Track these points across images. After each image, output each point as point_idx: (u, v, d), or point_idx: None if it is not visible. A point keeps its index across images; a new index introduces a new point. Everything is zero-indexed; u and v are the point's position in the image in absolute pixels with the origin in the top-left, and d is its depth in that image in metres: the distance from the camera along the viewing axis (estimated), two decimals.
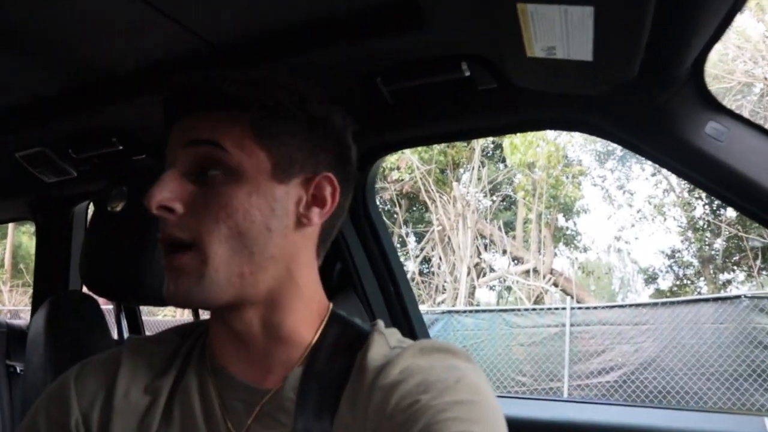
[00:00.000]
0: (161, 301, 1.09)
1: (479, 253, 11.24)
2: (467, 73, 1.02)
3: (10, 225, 13.50)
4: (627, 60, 0.85)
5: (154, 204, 0.68)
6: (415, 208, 12.93)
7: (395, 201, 11.88)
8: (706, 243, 11.26)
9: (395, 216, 11.78)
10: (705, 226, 11.19)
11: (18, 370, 1.74)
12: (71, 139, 1.41)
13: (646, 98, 0.97)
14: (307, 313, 0.77)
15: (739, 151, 0.93)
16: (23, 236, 14.33)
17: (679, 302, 7.04)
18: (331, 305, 0.82)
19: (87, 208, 1.91)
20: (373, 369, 0.70)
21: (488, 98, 1.10)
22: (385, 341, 0.75)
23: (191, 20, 0.99)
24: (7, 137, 1.43)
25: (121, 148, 1.37)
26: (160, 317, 9.93)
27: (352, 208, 1.39)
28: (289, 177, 0.73)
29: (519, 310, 8.17)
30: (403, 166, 10.86)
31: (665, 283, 12.49)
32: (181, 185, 0.70)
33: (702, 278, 11.71)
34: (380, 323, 0.79)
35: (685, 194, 11.45)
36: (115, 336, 1.27)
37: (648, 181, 14.31)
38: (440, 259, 11.14)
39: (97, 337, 1.18)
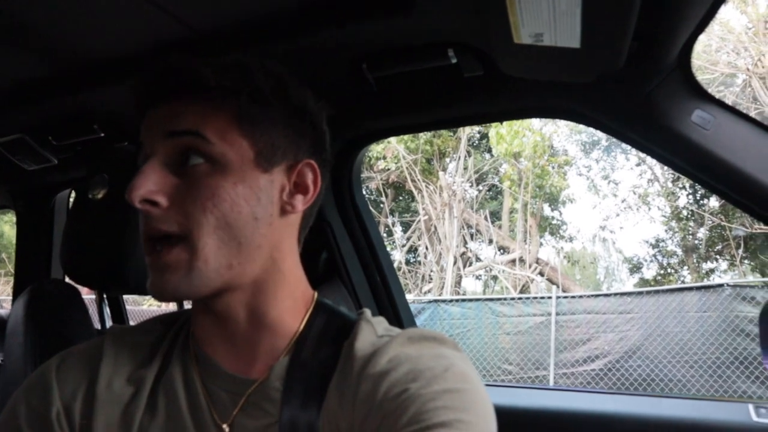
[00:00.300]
0: (144, 291, 1.08)
1: (465, 243, 11.29)
2: (454, 60, 1.02)
3: None
4: (615, 47, 0.84)
5: (137, 197, 0.66)
6: (401, 198, 12.94)
7: (381, 190, 11.88)
8: (690, 232, 11.37)
9: (381, 205, 11.79)
10: (689, 216, 11.30)
11: None
12: (52, 126, 1.38)
13: (633, 86, 0.97)
14: (291, 302, 0.77)
15: (725, 139, 0.93)
16: (5, 225, 14.17)
17: (663, 291, 7.11)
18: (316, 294, 0.82)
19: (69, 196, 1.89)
20: (361, 358, 0.70)
21: (475, 86, 1.09)
22: (373, 330, 0.75)
23: (174, 5, 0.97)
24: None
25: (102, 135, 1.35)
26: (146, 307, 9.86)
27: (338, 196, 1.38)
28: (272, 165, 0.73)
29: (505, 299, 8.21)
30: (389, 156, 10.85)
31: (649, 272, 12.62)
32: (163, 177, 0.68)
33: (686, 267, 11.83)
34: (367, 312, 0.79)
35: (669, 184, 11.55)
36: (98, 326, 1.26)
37: (633, 171, 14.47)
38: (426, 248, 11.17)
39: (79, 326, 1.17)
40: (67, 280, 1.22)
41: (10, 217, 13.57)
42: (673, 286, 9.61)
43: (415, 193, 11.17)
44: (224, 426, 0.71)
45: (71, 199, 1.87)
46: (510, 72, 0.99)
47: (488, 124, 10.82)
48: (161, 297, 0.69)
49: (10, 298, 2.26)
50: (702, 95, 0.95)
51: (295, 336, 0.75)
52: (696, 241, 11.39)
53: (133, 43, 1.08)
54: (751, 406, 1.20)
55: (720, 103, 0.95)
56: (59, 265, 1.80)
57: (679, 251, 11.91)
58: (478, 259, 11.65)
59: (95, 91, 1.23)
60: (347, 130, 1.27)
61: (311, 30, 1.00)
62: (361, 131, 1.28)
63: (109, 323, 1.30)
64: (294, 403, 0.70)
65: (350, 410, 0.67)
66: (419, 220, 11.27)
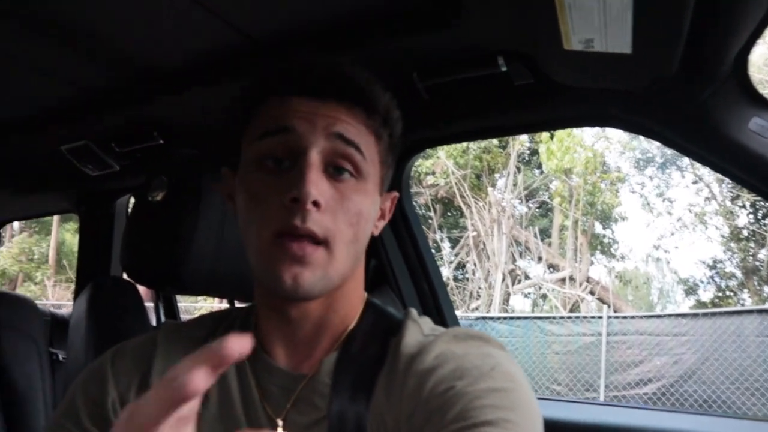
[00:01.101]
0: (197, 290, 1.11)
1: (514, 260, 11.15)
2: (503, 68, 1.02)
3: (55, 222, 13.92)
4: (667, 53, 0.84)
5: (309, 198, 0.67)
6: (449, 214, 12.88)
7: (430, 206, 11.85)
8: (750, 253, 10.94)
9: (430, 221, 11.76)
10: (749, 236, 10.88)
11: (60, 358, 1.79)
12: (114, 133, 1.45)
13: (687, 93, 0.95)
14: (355, 304, 0.79)
15: None
16: (66, 233, 14.74)
17: (721, 313, 6.85)
18: (366, 294, 0.83)
19: (128, 202, 1.96)
20: (408, 355, 0.70)
21: (525, 94, 1.09)
22: (419, 328, 0.76)
23: (232, 14, 1.00)
24: (54, 130, 1.47)
25: (161, 141, 1.40)
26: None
27: None
28: (383, 192, 0.79)
29: (554, 317, 8.07)
30: (439, 171, 10.85)
31: (706, 294, 12.18)
32: (324, 183, 0.69)
33: (746, 290, 11.37)
34: (413, 311, 0.80)
35: (728, 203, 11.15)
36: (153, 323, 1.30)
37: (689, 188, 14.03)
38: (475, 265, 11.08)
39: (136, 322, 1.21)
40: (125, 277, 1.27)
41: (72, 225, 14.11)
42: (731, 308, 9.24)
43: (464, 208, 11.11)
44: (278, 420, 0.72)
45: (130, 204, 1.95)
46: (560, 79, 0.99)
47: (539, 140, 10.71)
48: (296, 291, 0.68)
49: (70, 303, 2.35)
50: (760, 102, 0.93)
51: (345, 332, 0.77)
52: (757, 263, 10.95)
53: (192, 52, 1.13)
54: None
55: None
56: (118, 267, 1.87)
57: (739, 273, 11.47)
58: (527, 277, 11.49)
59: (155, 100, 1.28)
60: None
61: (365, 41, 1.02)
62: (412, 140, 1.29)
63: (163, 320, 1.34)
64: (343, 395, 0.71)
65: (397, 406, 0.68)
66: (467, 236, 11.20)
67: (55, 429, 0.77)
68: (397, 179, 1.40)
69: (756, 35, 0.86)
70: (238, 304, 1.22)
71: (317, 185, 0.67)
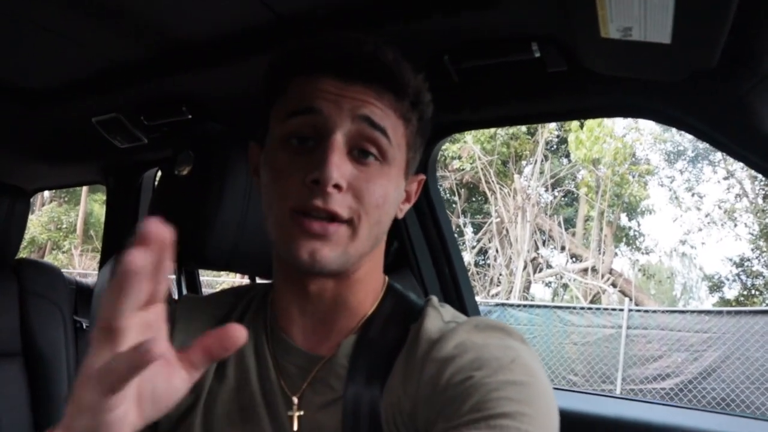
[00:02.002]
0: (220, 266, 1.12)
1: (537, 248, 11.08)
2: (537, 54, 1.00)
3: (83, 193, 14.16)
4: (708, 44, 0.81)
5: (330, 182, 0.67)
6: (474, 199, 12.83)
7: (454, 190, 11.81)
8: None
9: (454, 205, 11.72)
10: None
11: (84, 326, 1.82)
12: (143, 106, 1.46)
13: (726, 87, 0.92)
14: (374, 287, 0.80)
15: None
16: (95, 204, 14.99)
17: (746, 312, 6.74)
18: (386, 278, 0.83)
19: (155, 175, 1.98)
20: (427, 341, 0.70)
21: (558, 81, 1.07)
22: (440, 315, 0.75)
23: None
24: (85, 101, 1.48)
25: (190, 116, 1.41)
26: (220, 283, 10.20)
27: None
28: (408, 176, 0.78)
29: (575, 308, 8.02)
30: (465, 156, 10.78)
31: (731, 292, 11.99)
32: (347, 165, 0.70)
33: None
34: (434, 298, 0.79)
35: (760, 200, 10.92)
36: (175, 296, 1.31)
37: (719, 184, 13.78)
38: (497, 251, 11.04)
39: None
40: None
41: (100, 196, 14.35)
42: (757, 308, 9.09)
43: (489, 194, 11.05)
44: (294, 398, 0.73)
45: (157, 177, 1.96)
46: (595, 68, 0.97)
47: (568, 129, 10.57)
48: (313, 265, 0.68)
49: (96, 272, 2.39)
50: None
51: (365, 316, 0.77)
52: None
53: (221, 27, 1.12)
54: None
55: None
56: None
57: (766, 272, 11.26)
58: (549, 266, 11.41)
59: (184, 74, 1.28)
60: None
61: (395, 20, 1.01)
62: (440, 123, 1.28)
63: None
64: (358, 379, 0.71)
65: (414, 391, 0.68)
66: (491, 222, 11.15)
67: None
68: (424, 162, 1.39)
69: None
70: (259, 281, 1.22)
71: (339, 168, 0.67)
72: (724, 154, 1.02)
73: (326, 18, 1.04)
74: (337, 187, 0.67)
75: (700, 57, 0.84)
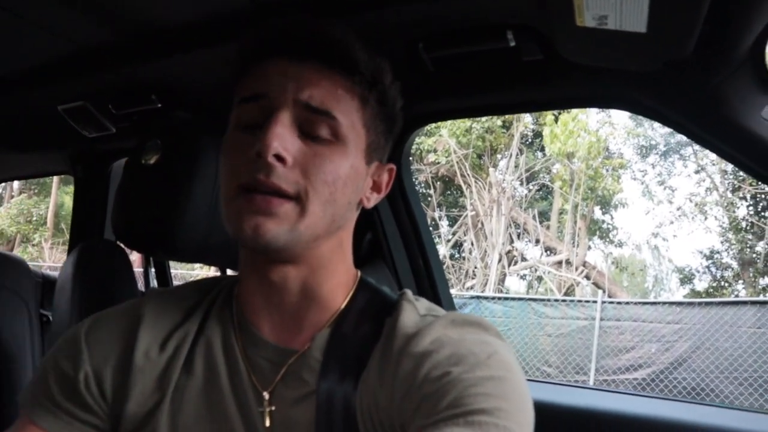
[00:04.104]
0: (189, 257, 1.09)
1: (512, 241, 11.16)
2: (512, 43, 0.99)
3: (54, 184, 13.90)
4: (683, 34, 0.80)
5: (270, 151, 0.66)
6: (449, 192, 12.86)
7: (430, 183, 11.83)
8: (748, 245, 10.94)
9: (429, 199, 11.74)
10: (747, 228, 10.87)
11: (50, 319, 1.78)
12: (112, 95, 1.41)
13: (700, 77, 0.93)
14: (342, 278, 0.78)
15: None
16: (66, 196, 14.73)
17: (715, 303, 6.87)
18: (359, 272, 0.82)
19: (124, 165, 1.93)
20: (403, 336, 0.69)
21: (533, 71, 1.06)
22: (415, 309, 0.74)
23: None
24: (51, 88, 1.44)
25: (159, 105, 1.37)
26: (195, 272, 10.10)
27: None
28: (371, 161, 0.76)
29: (549, 300, 8.10)
30: (440, 149, 10.80)
31: (701, 284, 12.22)
32: (293, 139, 0.69)
33: (741, 281, 11.41)
34: (408, 292, 0.78)
35: (729, 194, 11.13)
36: (142, 288, 1.28)
37: (690, 178, 14.00)
38: (472, 244, 11.10)
39: (125, 286, 1.19)
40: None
41: (71, 189, 14.09)
42: (727, 299, 9.27)
43: (464, 188, 11.09)
44: (264, 393, 0.71)
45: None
46: (570, 57, 0.96)
47: (543, 123, 10.64)
48: (256, 240, 0.67)
49: None
50: None
51: (338, 310, 0.76)
52: (754, 255, 10.96)
53: (193, 11, 1.09)
54: None
55: None
56: (111, 231, 1.85)
57: (735, 264, 11.49)
58: (523, 259, 11.51)
59: (154, 61, 1.25)
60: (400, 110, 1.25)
61: (371, 7, 0.99)
62: (415, 113, 1.26)
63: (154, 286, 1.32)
64: (332, 374, 0.70)
65: (390, 387, 0.67)
66: (466, 216, 11.19)
67: (30, 403, 0.75)
68: (398, 153, 1.38)
69: None
70: (230, 273, 1.20)
71: (281, 139, 0.67)
72: (698, 145, 1.02)
73: (301, 5, 1.01)
74: (279, 158, 0.67)
75: (675, 47, 0.84)
